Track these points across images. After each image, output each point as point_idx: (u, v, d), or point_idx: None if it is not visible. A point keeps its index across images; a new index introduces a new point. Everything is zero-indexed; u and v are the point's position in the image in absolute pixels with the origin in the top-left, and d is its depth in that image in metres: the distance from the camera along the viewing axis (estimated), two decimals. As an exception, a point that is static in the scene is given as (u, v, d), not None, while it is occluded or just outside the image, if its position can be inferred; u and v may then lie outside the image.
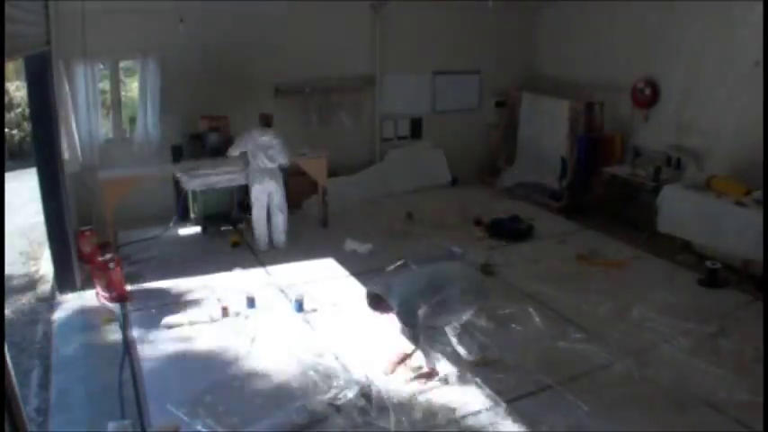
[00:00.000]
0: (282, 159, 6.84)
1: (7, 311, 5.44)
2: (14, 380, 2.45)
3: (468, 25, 9.10)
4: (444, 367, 4.49)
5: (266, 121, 6.88)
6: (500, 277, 6.23)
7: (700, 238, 6.55)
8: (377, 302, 4.42)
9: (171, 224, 7.43)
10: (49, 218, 5.70)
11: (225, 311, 5.34)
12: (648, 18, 7.79)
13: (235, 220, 7.47)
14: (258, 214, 6.88)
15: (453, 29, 9.10)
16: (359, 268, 6.37)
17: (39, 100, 5.44)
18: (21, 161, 10.80)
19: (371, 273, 6.19)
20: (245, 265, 6.52)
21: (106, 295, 5.66)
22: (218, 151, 7.10)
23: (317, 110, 8.49)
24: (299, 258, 6.70)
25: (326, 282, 6.13)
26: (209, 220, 7.44)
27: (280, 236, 7.01)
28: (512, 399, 4.22)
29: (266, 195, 6.85)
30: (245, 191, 7.18)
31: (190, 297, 5.76)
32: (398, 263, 6.22)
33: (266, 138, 6.76)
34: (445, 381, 4.40)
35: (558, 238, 7.34)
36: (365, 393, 4.19)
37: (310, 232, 7.51)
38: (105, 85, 7.59)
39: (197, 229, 7.52)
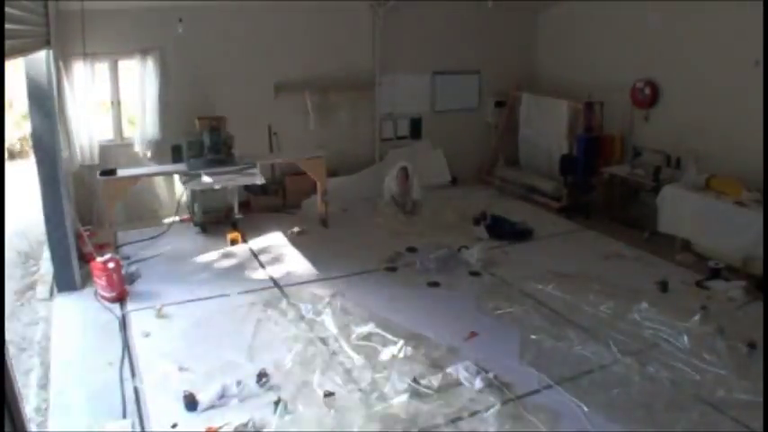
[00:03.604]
0: None
1: (7, 311, 5.44)
2: (15, 380, 2.45)
3: (469, 25, 9.10)
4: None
5: None
6: (500, 277, 6.24)
7: (700, 237, 6.56)
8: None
9: (170, 224, 7.44)
10: (49, 218, 5.70)
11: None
12: (648, 18, 7.79)
13: (235, 221, 7.47)
14: None
15: (453, 29, 9.09)
16: (352, 270, 6.41)
17: (38, 100, 5.44)
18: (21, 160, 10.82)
19: (365, 274, 6.30)
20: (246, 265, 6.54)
21: (106, 295, 5.67)
22: (218, 151, 7.10)
23: (317, 110, 8.48)
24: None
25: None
26: (209, 220, 7.44)
27: None
28: (512, 399, 4.23)
29: None
30: (244, 190, 7.18)
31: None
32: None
33: None
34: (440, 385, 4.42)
35: (558, 238, 7.37)
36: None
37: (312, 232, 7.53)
38: (105, 84, 7.58)
39: (197, 228, 7.51)
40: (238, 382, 4.32)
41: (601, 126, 8.36)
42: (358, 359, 4.68)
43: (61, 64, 6.59)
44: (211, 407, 4.13)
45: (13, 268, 6.52)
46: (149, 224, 7.53)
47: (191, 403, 4.12)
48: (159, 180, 7.65)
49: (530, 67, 9.81)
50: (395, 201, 8.19)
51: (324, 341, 4.97)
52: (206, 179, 6.80)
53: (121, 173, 6.74)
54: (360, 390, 4.31)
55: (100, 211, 6.86)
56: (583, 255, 6.83)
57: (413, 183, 8.14)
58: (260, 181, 7.06)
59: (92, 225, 6.81)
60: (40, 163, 5.58)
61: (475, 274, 6.30)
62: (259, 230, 7.47)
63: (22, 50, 4.44)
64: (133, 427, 3.98)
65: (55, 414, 4.13)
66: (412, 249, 6.88)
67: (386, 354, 4.72)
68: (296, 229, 7.48)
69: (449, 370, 4.49)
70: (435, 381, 4.36)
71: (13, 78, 7.19)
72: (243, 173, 6.97)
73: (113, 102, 7.62)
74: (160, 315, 5.42)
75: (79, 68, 6.96)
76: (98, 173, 6.76)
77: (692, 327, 5.02)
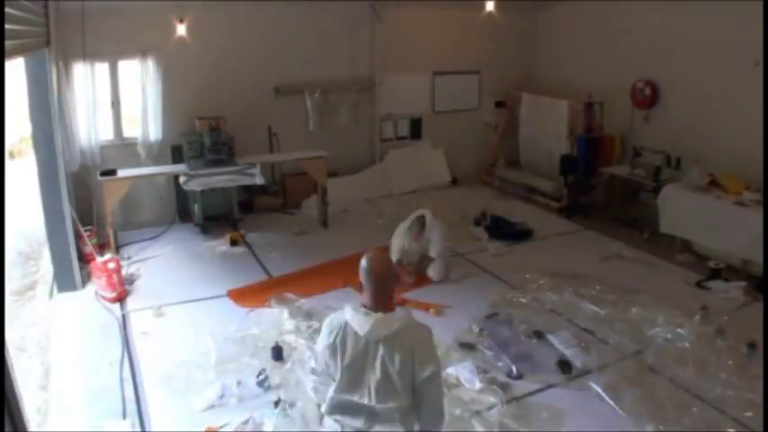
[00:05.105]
0: None
1: (7, 311, 5.44)
2: (14, 380, 2.45)
3: (468, 26, 9.10)
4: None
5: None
6: (499, 277, 6.23)
7: (700, 238, 6.56)
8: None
9: (170, 224, 7.44)
10: (49, 218, 5.70)
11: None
12: (648, 18, 7.79)
13: (235, 221, 7.47)
14: None
15: (453, 29, 9.10)
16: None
17: (38, 100, 5.44)
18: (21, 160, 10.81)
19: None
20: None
21: (106, 295, 5.67)
22: (218, 151, 7.10)
23: (317, 110, 8.48)
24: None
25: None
26: (209, 221, 7.44)
27: None
28: (512, 399, 4.23)
29: None
30: (245, 191, 7.15)
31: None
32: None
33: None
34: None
35: (558, 238, 7.36)
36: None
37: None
38: (105, 84, 7.58)
39: (197, 228, 7.50)
40: (238, 383, 4.32)
41: (601, 126, 8.36)
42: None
43: (61, 64, 6.58)
44: (211, 407, 4.13)
45: (13, 268, 6.52)
46: (149, 224, 7.53)
47: (278, 354, 4.61)
48: (159, 180, 7.64)
49: (530, 67, 9.82)
50: (402, 264, 5.97)
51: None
52: (205, 180, 6.81)
53: (122, 173, 6.74)
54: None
55: (100, 211, 6.86)
56: (583, 255, 6.82)
57: (431, 237, 6.00)
58: (260, 181, 7.06)
59: (92, 225, 6.80)
60: (40, 163, 5.58)
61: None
62: (259, 231, 7.47)
63: (22, 50, 4.44)
64: (133, 427, 3.97)
65: (55, 414, 4.12)
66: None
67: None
68: (296, 230, 7.48)
69: (449, 370, 4.49)
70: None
71: (13, 78, 7.19)
72: (243, 173, 6.97)
73: (113, 102, 7.61)
74: (160, 315, 5.42)
75: (79, 68, 6.96)
76: (98, 173, 6.76)
77: (692, 327, 5.02)
